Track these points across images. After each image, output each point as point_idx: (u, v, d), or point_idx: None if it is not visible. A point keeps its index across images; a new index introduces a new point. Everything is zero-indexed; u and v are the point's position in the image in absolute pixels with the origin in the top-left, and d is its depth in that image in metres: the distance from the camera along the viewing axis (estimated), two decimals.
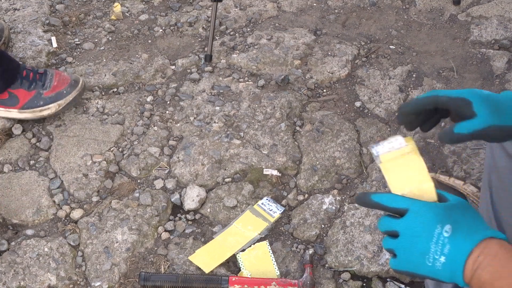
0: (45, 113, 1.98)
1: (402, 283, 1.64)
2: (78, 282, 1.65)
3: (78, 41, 2.34)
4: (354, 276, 1.66)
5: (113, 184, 1.87)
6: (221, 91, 2.14)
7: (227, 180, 1.87)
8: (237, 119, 2.04)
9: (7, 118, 1.99)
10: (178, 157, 1.93)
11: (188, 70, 2.23)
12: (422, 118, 0.99)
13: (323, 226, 1.77)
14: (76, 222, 1.77)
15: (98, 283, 1.64)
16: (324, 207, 1.80)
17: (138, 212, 1.78)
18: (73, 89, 2.00)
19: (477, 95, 0.93)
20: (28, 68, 2.00)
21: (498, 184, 1.14)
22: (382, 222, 0.91)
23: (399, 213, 0.89)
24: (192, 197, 1.81)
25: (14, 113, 1.97)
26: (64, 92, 1.99)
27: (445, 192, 0.91)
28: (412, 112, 0.98)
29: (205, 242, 1.72)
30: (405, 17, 2.47)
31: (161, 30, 2.40)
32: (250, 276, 1.63)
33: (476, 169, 1.87)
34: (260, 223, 1.75)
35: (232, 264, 1.68)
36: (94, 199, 1.83)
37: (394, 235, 0.89)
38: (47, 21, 2.39)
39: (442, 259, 0.84)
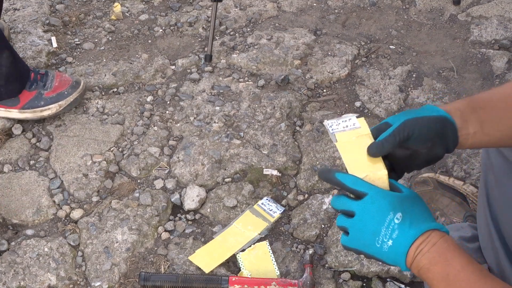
0: (46, 113, 1.98)
1: (402, 283, 1.64)
2: (78, 282, 1.65)
3: (78, 41, 2.34)
4: (354, 276, 1.66)
5: (113, 184, 1.87)
6: (221, 91, 2.14)
7: (227, 180, 1.87)
8: (237, 119, 2.04)
9: (8, 118, 1.99)
10: (178, 157, 1.93)
11: (188, 70, 2.23)
12: None
13: (323, 226, 1.77)
14: (76, 222, 1.77)
15: (98, 283, 1.64)
16: (324, 207, 1.80)
17: (138, 212, 1.78)
18: (74, 90, 2.01)
19: (391, 116, 1.03)
20: (30, 68, 2.00)
21: (494, 183, 1.14)
22: (339, 201, 0.98)
23: (357, 195, 0.96)
24: (192, 197, 1.81)
25: (15, 113, 1.97)
26: (65, 93, 1.99)
27: (399, 184, 0.98)
28: None
29: (205, 242, 1.72)
30: (405, 17, 2.47)
31: (161, 30, 2.40)
32: (250, 276, 1.63)
33: (476, 169, 1.87)
34: (260, 223, 1.75)
35: (232, 264, 1.68)
36: (94, 199, 1.83)
37: (349, 214, 0.96)
38: (47, 21, 2.39)
39: (390, 242, 0.92)
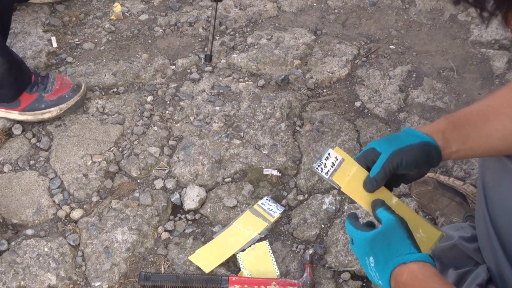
0: (46, 116, 1.99)
1: None
2: (78, 282, 1.65)
3: (78, 41, 2.34)
4: (354, 276, 1.66)
5: (113, 184, 1.87)
6: (221, 91, 2.14)
7: (227, 180, 1.87)
8: (237, 119, 2.04)
9: (7, 119, 1.99)
10: (178, 157, 1.93)
11: (188, 70, 2.23)
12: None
13: (323, 226, 1.77)
14: (76, 222, 1.77)
15: (98, 283, 1.64)
16: (324, 207, 1.80)
17: (138, 212, 1.78)
18: (75, 94, 2.01)
19: (376, 141, 1.11)
20: (31, 72, 2.00)
21: (491, 184, 1.15)
22: (347, 227, 1.10)
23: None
24: (192, 197, 1.81)
25: (15, 115, 1.98)
26: (66, 96, 2.00)
27: (382, 212, 1.06)
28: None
29: (205, 242, 1.72)
30: (405, 17, 2.47)
31: (161, 30, 2.40)
32: (250, 276, 1.63)
33: (476, 169, 1.86)
34: (260, 223, 1.75)
35: (232, 264, 1.68)
36: (94, 199, 1.83)
37: None
38: (47, 21, 2.39)
39: (378, 277, 1.03)
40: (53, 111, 1.99)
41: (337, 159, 1.11)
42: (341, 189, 1.11)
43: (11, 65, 1.89)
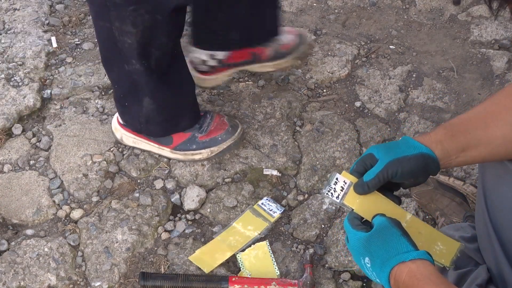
0: (197, 157, 1.90)
1: None
2: (78, 282, 1.65)
3: (78, 41, 2.34)
4: (354, 276, 1.66)
5: (113, 184, 1.87)
6: (221, 91, 2.14)
7: (227, 180, 1.87)
8: (237, 119, 2.04)
9: (160, 155, 1.93)
10: None
11: None
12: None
13: (323, 226, 1.77)
14: (76, 222, 1.77)
15: (98, 283, 1.64)
16: (324, 207, 1.80)
17: (138, 212, 1.78)
18: (229, 137, 1.91)
19: (375, 146, 1.12)
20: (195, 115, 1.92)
21: (491, 185, 1.15)
22: (345, 224, 1.10)
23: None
24: (192, 197, 1.81)
25: (167, 152, 1.91)
26: (219, 138, 1.89)
27: (377, 218, 1.07)
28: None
29: (205, 242, 1.73)
30: (405, 17, 2.47)
31: None
32: (250, 276, 1.63)
33: (476, 169, 1.87)
34: (260, 223, 1.75)
35: (232, 264, 1.69)
36: (94, 199, 1.83)
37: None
38: (47, 21, 2.38)
39: (375, 276, 1.04)
40: (204, 153, 1.90)
41: (345, 183, 1.12)
42: (354, 211, 1.11)
43: (158, 106, 1.80)
